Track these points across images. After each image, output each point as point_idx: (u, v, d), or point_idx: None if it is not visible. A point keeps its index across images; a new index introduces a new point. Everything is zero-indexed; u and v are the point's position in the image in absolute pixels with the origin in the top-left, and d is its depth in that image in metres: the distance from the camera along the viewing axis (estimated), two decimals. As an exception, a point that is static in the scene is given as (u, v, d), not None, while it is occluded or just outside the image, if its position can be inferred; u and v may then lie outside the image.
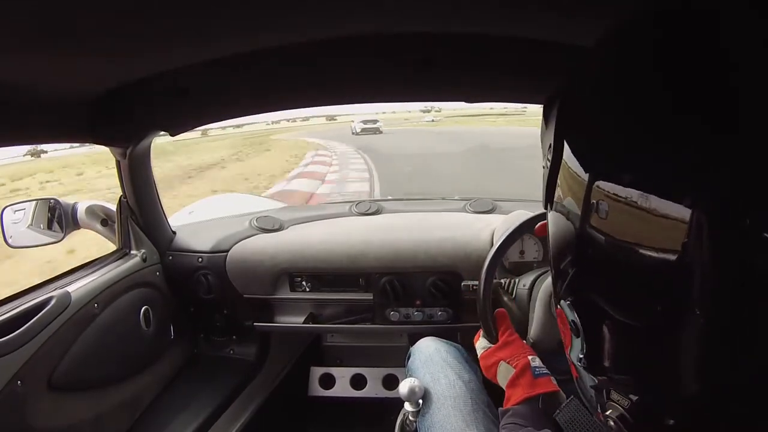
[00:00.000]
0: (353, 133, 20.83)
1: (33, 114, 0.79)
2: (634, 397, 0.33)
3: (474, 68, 0.80)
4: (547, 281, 0.92)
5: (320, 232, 1.33)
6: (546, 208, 0.39)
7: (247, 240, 1.31)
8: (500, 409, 0.73)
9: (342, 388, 1.54)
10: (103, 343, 0.99)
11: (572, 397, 0.39)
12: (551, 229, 0.38)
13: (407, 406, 0.89)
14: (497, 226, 1.19)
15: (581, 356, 0.36)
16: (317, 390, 1.55)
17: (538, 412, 0.70)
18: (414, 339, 1.37)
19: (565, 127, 0.36)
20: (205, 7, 0.53)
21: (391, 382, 1.52)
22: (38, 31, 0.52)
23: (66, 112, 0.86)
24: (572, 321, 0.36)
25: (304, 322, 1.30)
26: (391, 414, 1.10)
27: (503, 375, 0.76)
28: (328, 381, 1.56)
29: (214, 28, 0.62)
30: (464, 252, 1.20)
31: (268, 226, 1.36)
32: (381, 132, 21.20)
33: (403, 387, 0.86)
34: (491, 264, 0.94)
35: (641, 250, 0.28)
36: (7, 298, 0.88)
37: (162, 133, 1.10)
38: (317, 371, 1.57)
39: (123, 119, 0.95)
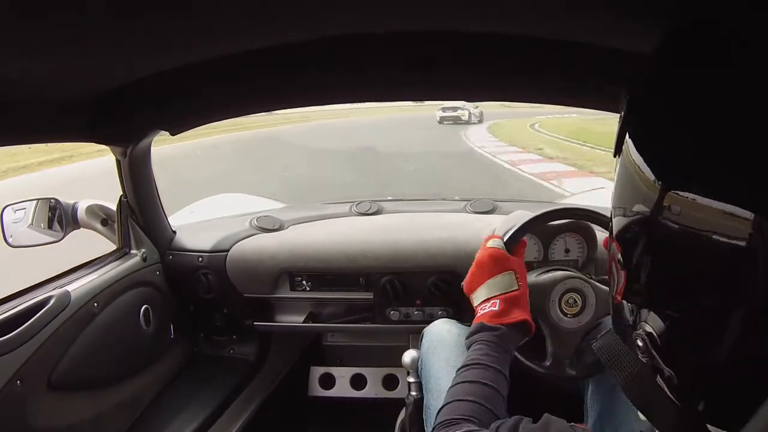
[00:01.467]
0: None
1: (33, 114, 0.78)
2: (666, 321, 0.34)
3: (476, 67, 0.80)
4: (560, 273, 0.92)
5: (320, 232, 1.33)
6: (615, 156, 0.41)
7: (247, 240, 1.30)
8: (482, 322, 0.70)
9: (342, 388, 1.54)
10: (103, 342, 0.99)
11: (611, 328, 0.41)
12: (620, 176, 0.40)
13: (409, 378, 0.97)
14: (498, 227, 1.19)
15: (625, 287, 0.38)
16: (317, 390, 1.55)
17: (517, 341, 0.72)
18: (414, 339, 1.37)
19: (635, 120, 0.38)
20: (206, 7, 0.53)
21: (391, 382, 1.52)
22: (38, 31, 0.52)
23: (66, 112, 0.85)
24: (618, 259, 0.39)
25: (304, 322, 1.30)
26: (391, 414, 1.10)
27: (502, 284, 0.73)
28: (328, 381, 1.56)
29: (213, 28, 0.62)
30: (464, 252, 1.20)
31: (268, 225, 1.35)
32: (464, 121, 15.57)
33: (406, 357, 0.97)
34: None
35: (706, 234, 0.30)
36: (6, 297, 0.88)
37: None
38: (317, 371, 1.57)
39: (123, 119, 0.95)
